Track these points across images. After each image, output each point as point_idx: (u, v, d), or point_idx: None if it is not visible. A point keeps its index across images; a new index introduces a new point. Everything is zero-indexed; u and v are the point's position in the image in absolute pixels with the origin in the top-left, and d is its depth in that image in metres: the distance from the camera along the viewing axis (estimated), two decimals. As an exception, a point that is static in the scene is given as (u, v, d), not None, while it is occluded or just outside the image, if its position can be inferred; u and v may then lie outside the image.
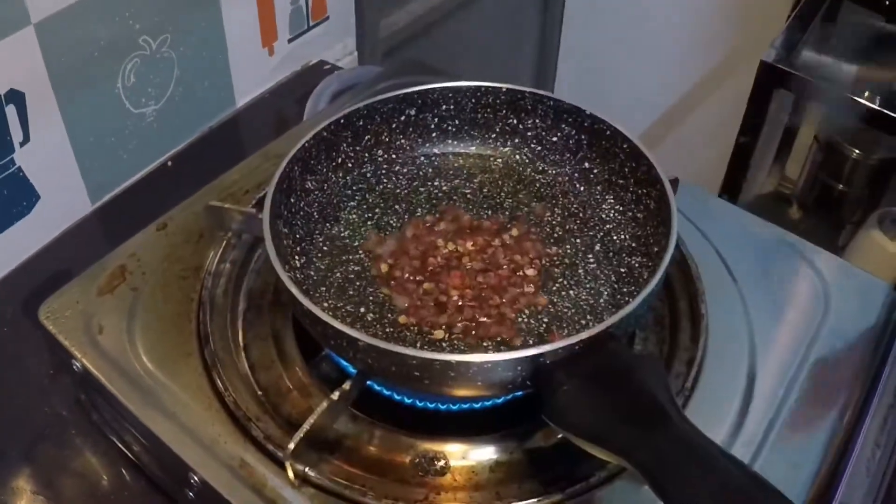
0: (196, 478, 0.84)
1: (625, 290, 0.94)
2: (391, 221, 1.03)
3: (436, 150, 1.10)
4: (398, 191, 1.07)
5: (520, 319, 0.92)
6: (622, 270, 0.97)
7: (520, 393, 0.88)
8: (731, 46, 2.05)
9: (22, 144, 1.14)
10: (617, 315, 0.78)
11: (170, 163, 1.38)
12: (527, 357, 0.75)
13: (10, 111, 1.10)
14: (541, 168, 1.09)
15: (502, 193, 1.07)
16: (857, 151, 2.18)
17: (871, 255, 2.05)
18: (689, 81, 2.03)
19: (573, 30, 2.29)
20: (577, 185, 1.06)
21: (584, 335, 0.76)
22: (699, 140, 1.95)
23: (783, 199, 2.35)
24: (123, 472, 0.97)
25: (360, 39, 1.68)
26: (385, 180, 1.08)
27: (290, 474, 0.81)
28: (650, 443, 0.69)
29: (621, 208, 1.02)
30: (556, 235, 1.01)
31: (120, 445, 0.98)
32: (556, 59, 2.33)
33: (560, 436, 0.87)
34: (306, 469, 0.82)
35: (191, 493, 0.87)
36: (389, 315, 0.93)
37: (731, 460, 0.68)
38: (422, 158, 1.10)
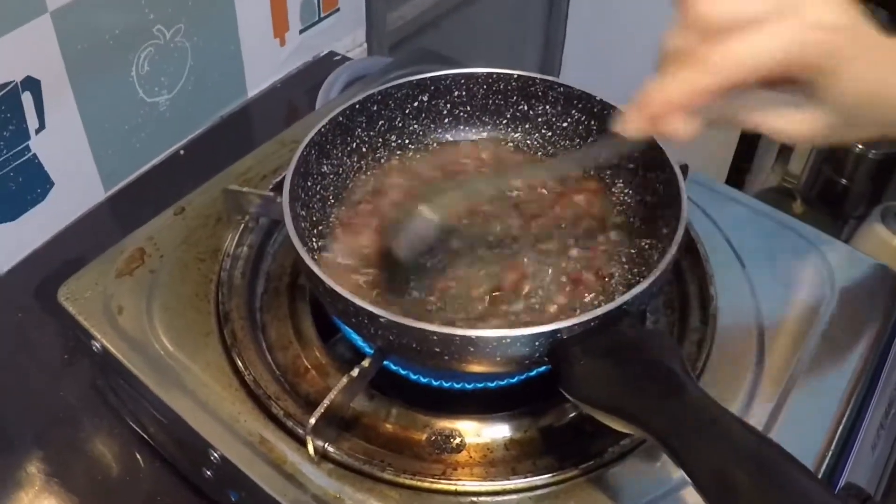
0: (216, 455, 0.85)
1: (635, 270, 0.95)
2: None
3: (448, 136, 1.11)
4: (410, 175, 1.08)
5: (533, 300, 0.93)
6: (632, 252, 0.98)
7: (534, 373, 0.90)
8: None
9: (37, 132, 1.15)
10: (631, 292, 0.79)
11: (182, 151, 1.40)
12: (545, 332, 0.77)
13: (27, 98, 1.11)
14: (551, 153, 1.10)
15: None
16: (859, 146, 2.19)
17: (874, 249, 2.05)
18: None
19: (579, 18, 2.29)
20: (588, 171, 1.07)
21: (599, 311, 0.78)
22: (703, 135, 1.96)
23: (786, 194, 2.35)
24: (138, 455, 0.99)
25: (369, 31, 1.70)
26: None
27: (311, 450, 0.82)
28: (665, 410, 0.70)
29: (631, 192, 1.03)
30: (566, 218, 1.02)
31: (136, 427, 1.00)
32: (562, 48, 2.34)
33: (573, 414, 0.89)
34: (325, 445, 0.83)
35: (209, 472, 0.89)
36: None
37: (744, 426, 0.69)
38: (434, 144, 1.11)
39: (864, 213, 2.20)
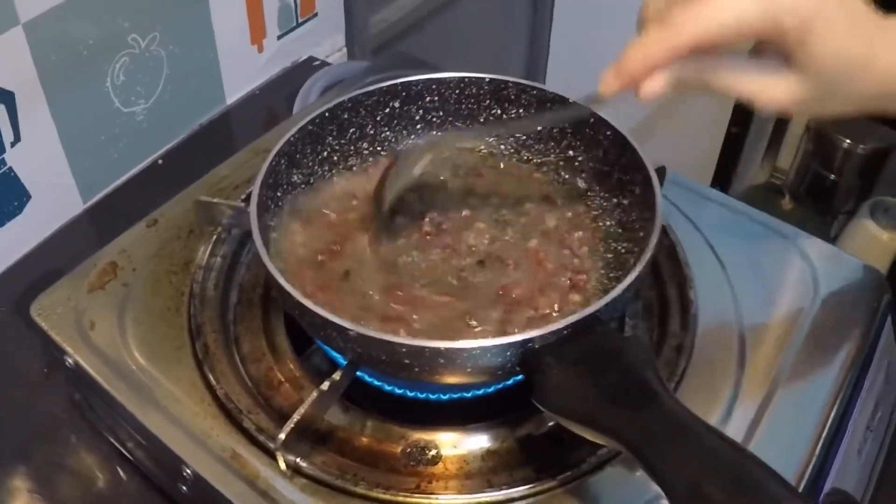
0: (189, 471, 0.84)
1: (612, 275, 0.94)
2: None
3: (420, 142, 1.10)
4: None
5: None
6: (609, 256, 0.96)
7: (510, 382, 0.89)
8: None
9: (13, 144, 1.14)
10: (604, 299, 0.78)
11: (161, 161, 1.38)
12: (516, 342, 0.76)
13: (0, 111, 1.10)
14: (525, 157, 1.09)
15: (487, 184, 1.07)
16: (848, 141, 2.19)
17: (863, 244, 2.05)
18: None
19: (564, 23, 2.28)
20: (563, 174, 1.06)
21: (571, 319, 0.76)
22: (690, 132, 1.95)
23: (775, 190, 2.35)
24: (118, 469, 0.98)
25: (349, 36, 1.68)
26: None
27: (282, 465, 0.82)
28: (639, 422, 0.69)
29: (607, 195, 1.02)
30: (542, 223, 1.01)
31: (114, 443, 0.99)
32: (546, 53, 2.33)
33: (551, 423, 0.88)
34: (298, 459, 0.82)
35: (184, 488, 0.87)
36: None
37: (718, 436, 0.68)
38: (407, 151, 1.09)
39: (854, 208, 2.20)
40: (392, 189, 0.97)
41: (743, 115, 2.12)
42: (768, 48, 0.75)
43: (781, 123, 2.35)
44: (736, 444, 0.67)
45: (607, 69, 0.77)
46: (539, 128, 1.07)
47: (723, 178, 2.26)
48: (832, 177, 2.26)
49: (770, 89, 0.76)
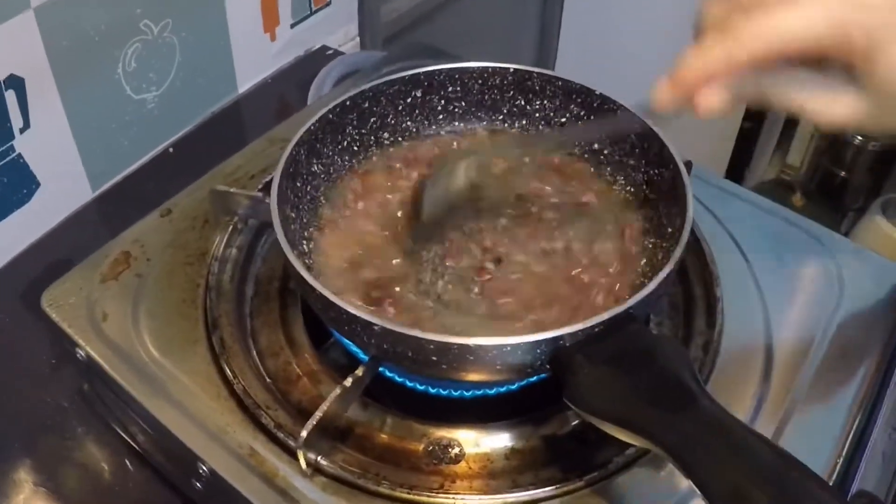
0: (205, 468, 0.82)
1: (638, 270, 0.93)
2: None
3: (442, 133, 1.08)
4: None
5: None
6: (635, 251, 0.95)
7: (535, 378, 0.86)
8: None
9: (22, 131, 1.12)
10: (637, 296, 0.77)
11: (171, 149, 1.37)
12: (546, 339, 0.74)
13: (10, 97, 1.09)
14: (549, 149, 1.07)
15: (508, 179, 1.04)
16: (859, 138, 2.18)
17: (874, 241, 2.04)
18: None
19: (574, 10, 2.27)
20: (588, 167, 1.04)
21: (604, 316, 0.75)
22: (704, 126, 1.94)
23: (786, 187, 2.34)
24: (127, 462, 0.96)
25: (362, 25, 1.67)
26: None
27: (303, 463, 0.80)
28: (677, 424, 0.68)
29: (633, 189, 1.01)
30: (565, 217, 0.99)
31: (124, 436, 0.97)
32: (557, 40, 2.32)
33: (575, 422, 0.86)
34: (318, 458, 0.80)
35: (198, 484, 0.86)
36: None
37: (759, 438, 0.66)
38: (428, 141, 1.08)
39: (864, 205, 2.19)
40: (430, 199, 0.95)
41: (756, 110, 2.11)
42: (831, 62, 0.70)
43: (792, 120, 2.34)
44: (777, 448, 0.66)
45: (660, 80, 0.73)
46: (586, 138, 1.05)
47: (736, 173, 2.25)
48: (843, 174, 2.25)
49: (834, 106, 0.72)
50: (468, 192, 0.95)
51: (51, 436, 0.99)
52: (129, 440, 0.97)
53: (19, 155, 1.14)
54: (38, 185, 1.19)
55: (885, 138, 2.09)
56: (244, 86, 1.47)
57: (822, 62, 0.71)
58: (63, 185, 1.23)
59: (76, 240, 1.20)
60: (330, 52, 1.57)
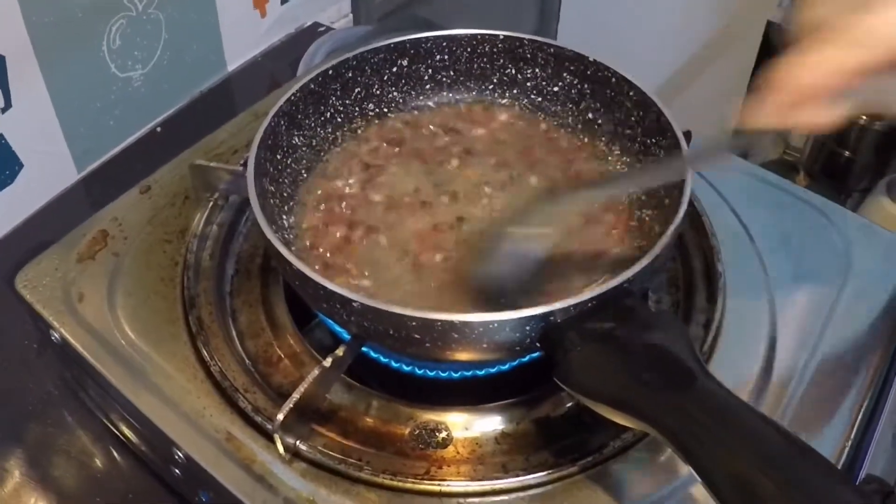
0: (181, 454, 0.80)
1: (635, 244, 0.90)
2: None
3: (430, 103, 1.06)
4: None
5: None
6: (632, 224, 0.92)
7: (526, 358, 0.84)
8: (739, 6, 2.01)
9: (3, 111, 1.11)
10: (633, 268, 0.73)
11: (159, 129, 1.36)
12: (536, 315, 0.70)
13: (-9, 75, 1.07)
14: (541, 119, 1.04)
15: (501, 146, 1.02)
16: (863, 118, 2.15)
17: (879, 222, 2.00)
18: (695, 42, 2.00)
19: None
20: (581, 137, 1.02)
21: (597, 291, 0.72)
22: (706, 104, 1.91)
23: (789, 167, 2.32)
24: (112, 450, 0.95)
25: (354, 1, 1.65)
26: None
27: (280, 448, 0.77)
28: (676, 406, 0.64)
29: (628, 160, 0.98)
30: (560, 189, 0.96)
31: (107, 423, 0.96)
32: (557, 18, 2.30)
33: (569, 404, 0.84)
34: (297, 442, 0.78)
35: (177, 471, 0.84)
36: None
37: (765, 421, 0.63)
38: (415, 112, 1.05)
39: (869, 185, 2.16)
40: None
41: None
42: None
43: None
44: (784, 430, 0.62)
45: (749, 100, 0.66)
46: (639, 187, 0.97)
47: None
48: (847, 154, 2.22)
49: None
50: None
51: (35, 423, 0.97)
52: (111, 427, 0.95)
53: (1, 135, 1.12)
54: (21, 166, 1.17)
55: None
56: (233, 64, 1.45)
57: None
58: (47, 166, 1.22)
59: (61, 222, 1.16)
60: (322, 28, 1.55)
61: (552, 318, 0.71)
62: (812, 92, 0.63)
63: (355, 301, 0.72)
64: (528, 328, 0.71)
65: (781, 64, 0.64)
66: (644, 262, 0.74)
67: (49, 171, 1.22)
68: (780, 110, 0.65)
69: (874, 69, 0.61)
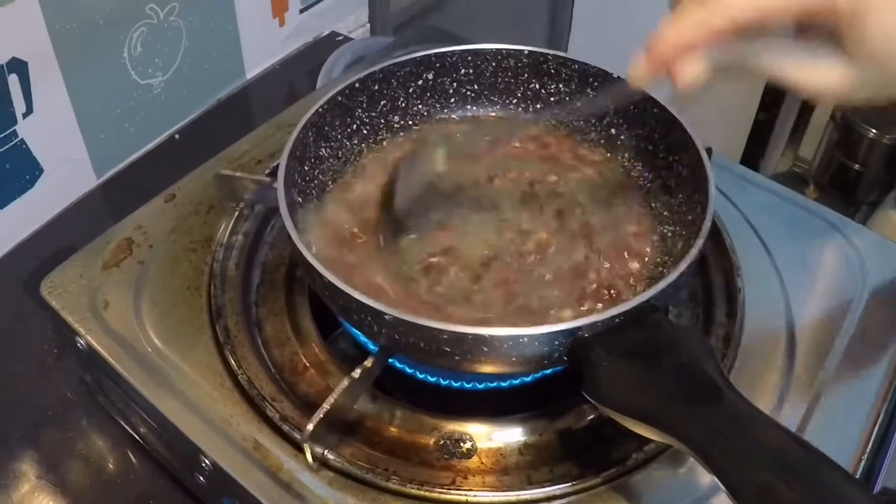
0: (207, 461, 0.80)
1: (658, 259, 0.90)
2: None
3: (454, 116, 1.06)
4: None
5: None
6: (655, 240, 0.92)
7: (549, 371, 0.84)
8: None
9: (25, 116, 1.12)
10: (660, 284, 0.74)
11: (178, 136, 1.36)
12: (565, 330, 0.71)
13: (13, 81, 1.08)
14: (564, 134, 1.05)
15: (522, 162, 1.02)
16: (873, 131, 2.16)
17: (888, 235, 2.01)
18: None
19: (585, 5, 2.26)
20: (604, 152, 1.02)
21: (625, 306, 0.72)
22: (718, 116, 1.92)
23: (798, 179, 2.32)
24: (130, 455, 0.95)
25: (372, 11, 1.66)
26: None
27: (309, 457, 0.78)
28: (702, 419, 0.65)
29: (651, 176, 0.98)
30: (582, 204, 0.96)
31: (126, 427, 0.96)
32: (569, 26, 2.30)
33: (591, 417, 0.84)
34: (325, 452, 0.78)
35: (201, 478, 0.84)
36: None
37: (787, 434, 0.64)
38: (440, 125, 1.06)
39: (878, 198, 2.17)
40: (406, 185, 0.92)
41: (771, 101, 2.09)
42: (815, 30, 0.69)
43: (805, 112, 2.32)
44: (806, 444, 0.63)
45: (636, 52, 0.71)
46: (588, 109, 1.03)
47: (749, 166, 2.23)
48: (856, 167, 2.23)
49: (819, 76, 0.70)
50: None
51: (53, 427, 0.98)
52: (131, 432, 0.95)
53: (22, 140, 1.13)
54: (41, 171, 1.18)
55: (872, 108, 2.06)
56: (252, 72, 1.46)
57: (806, 30, 0.70)
58: (67, 172, 1.22)
59: (80, 227, 1.18)
60: (339, 38, 1.56)
61: (580, 332, 0.72)
62: (680, 49, 0.69)
63: (387, 314, 0.72)
64: (556, 342, 0.72)
65: (661, 24, 0.69)
66: (671, 278, 0.75)
67: (68, 177, 1.23)
68: (654, 65, 0.71)
69: (733, 30, 0.67)
